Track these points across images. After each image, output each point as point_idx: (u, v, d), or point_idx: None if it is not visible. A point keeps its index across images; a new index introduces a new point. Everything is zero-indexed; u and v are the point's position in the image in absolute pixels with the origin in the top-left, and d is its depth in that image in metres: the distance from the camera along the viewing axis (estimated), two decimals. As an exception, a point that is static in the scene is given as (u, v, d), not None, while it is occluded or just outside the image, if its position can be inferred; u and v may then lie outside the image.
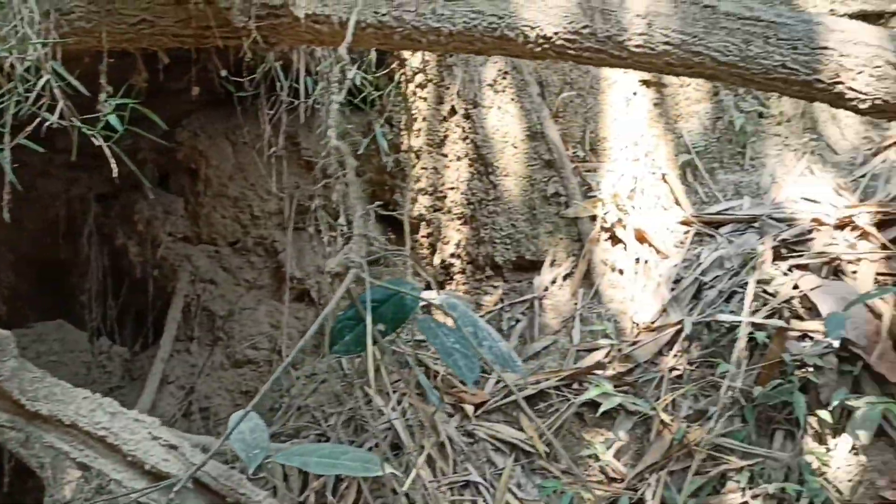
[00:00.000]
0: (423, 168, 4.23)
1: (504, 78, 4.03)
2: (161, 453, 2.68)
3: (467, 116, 4.08)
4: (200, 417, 4.44)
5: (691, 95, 4.04)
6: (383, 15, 2.36)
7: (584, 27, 2.25)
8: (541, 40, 2.29)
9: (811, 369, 3.04)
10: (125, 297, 4.88)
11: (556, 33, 2.27)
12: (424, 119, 4.21)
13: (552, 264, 3.92)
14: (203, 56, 3.88)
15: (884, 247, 3.29)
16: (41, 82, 2.40)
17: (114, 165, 2.47)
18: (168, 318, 4.57)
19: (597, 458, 3.26)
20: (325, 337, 2.44)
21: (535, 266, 3.97)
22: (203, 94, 4.35)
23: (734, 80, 2.27)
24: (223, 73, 3.25)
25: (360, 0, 2.34)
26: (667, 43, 2.21)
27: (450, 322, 2.34)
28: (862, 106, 2.13)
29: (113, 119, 2.50)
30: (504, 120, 4.03)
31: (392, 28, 2.36)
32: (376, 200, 4.53)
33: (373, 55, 3.96)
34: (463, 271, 4.16)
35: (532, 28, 2.27)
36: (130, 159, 4.25)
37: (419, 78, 4.20)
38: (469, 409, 3.44)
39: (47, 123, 2.41)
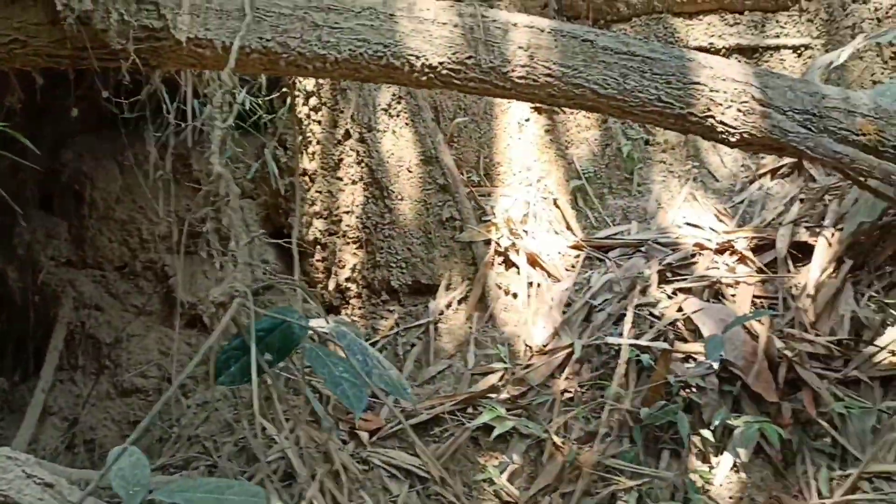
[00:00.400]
0: (317, 191, 4.19)
1: (398, 102, 4.05)
2: (36, 492, 2.53)
3: (362, 140, 4.07)
4: (85, 450, 4.25)
5: (581, 122, 4.15)
6: (268, 41, 2.33)
7: (469, 57, 2.28)
8: (426, 69, 2.31)
9: (694, 390, 3.15)
10: (4, 324, 4.63)
11: (441, 63, 2.29)
12: (319, 142, 4.18)
13: (447, 288, 3.94)
14: (90, 75, 3.75)
15: (760, 270, 3.45)
16: None
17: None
18: (50, 346, 4.36)
19: (492, 482, 3.27)
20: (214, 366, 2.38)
21: (430, 290, 3.98)
22: (91, 114, 4.20)
23: (614, 111, 2.33)
24: (105, 94, 3.13)
25: (244, 25, 2.31)
26: (548, 75, 2.26)
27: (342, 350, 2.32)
28: (731, 139, 2.23)
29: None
30: (399, 144, 4.04)
31: (277, 54, 2.34)
32: (271, 224, 4.47)
33: (263, 79, 3.91)
34: (359, 295, 4.13)
35: (417, 57, 2.29)
36: (10, 180, 4.08)
37: (313, 101, 4.16)
38: (364, 435, 3.41)
39: None
